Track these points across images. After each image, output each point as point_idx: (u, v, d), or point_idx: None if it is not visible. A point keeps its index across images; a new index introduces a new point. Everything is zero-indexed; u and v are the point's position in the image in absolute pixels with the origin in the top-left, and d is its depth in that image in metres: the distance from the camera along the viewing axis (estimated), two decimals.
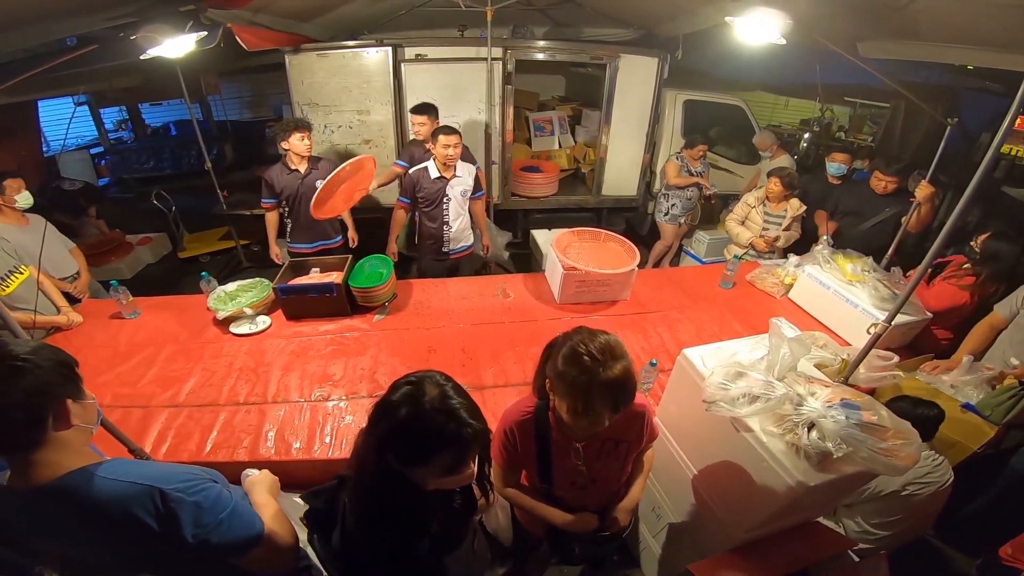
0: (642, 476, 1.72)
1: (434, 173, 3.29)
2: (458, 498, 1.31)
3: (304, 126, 3.35)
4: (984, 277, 2.76)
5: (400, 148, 4.57)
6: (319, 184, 3.30)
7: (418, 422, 1.05)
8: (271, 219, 3.63)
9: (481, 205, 3.67)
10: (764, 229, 3.86)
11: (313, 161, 3.47)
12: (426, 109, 3.64)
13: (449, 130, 3.19)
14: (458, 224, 3.48)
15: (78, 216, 5.18)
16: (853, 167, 4.81)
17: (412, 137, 3.88)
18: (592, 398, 1.26)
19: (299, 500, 2.11)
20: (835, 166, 4.01)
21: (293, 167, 3.42)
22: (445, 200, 3.35)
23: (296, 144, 3.32)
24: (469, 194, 3.44)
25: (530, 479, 1.68)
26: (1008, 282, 2.74)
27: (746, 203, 3.97)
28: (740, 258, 3.46)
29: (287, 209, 3.56)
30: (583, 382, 1.26)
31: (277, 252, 3.66)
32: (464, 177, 3.36)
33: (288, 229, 3.64)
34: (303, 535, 1.46)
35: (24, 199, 3.00)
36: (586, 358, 1.26)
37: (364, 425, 1.15)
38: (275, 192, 3.45)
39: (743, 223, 3.97)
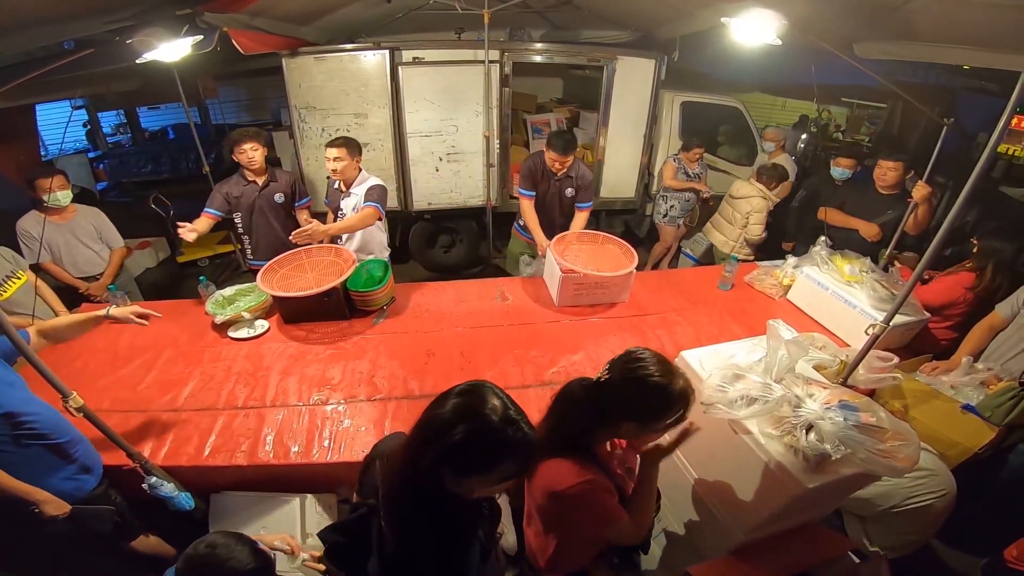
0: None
1: (335, 184, 3.26)
2: (486, 505, 1.30)
3: (253, 136, 3.17)
4: (988, 273, 2.76)
5: (398, 152, 4.58)
6: (277, 198, 3.29)
7: (484, 433, 1.03)
8: (202, 224, 3.09)
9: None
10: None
11: (272, 173, 3.33)
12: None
13: (331, 142, 3.08)
14: (350, 242, 3.24)
15: None
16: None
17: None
18: (689, 405, 1.35)
19: (296, 502, 2.12)
20: (839, 171, 3.94)
21: (250, 179, 3.27)
22: (340, 214, 3.26)
23: (248, 156, 3.14)
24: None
25: None
26: (1010, 277, 2.74)
27: (765, 213, 4.18)
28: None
29: (242, 223, 3.40)
30: (685, 397, 1.33)
31: (191, 227, 2.95)
32: (356, 197, 3.14)
33: (247, 246, 3.48)
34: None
35: (54, 199, 3.05)
36: (660, 378, 1.32)
37: (404, 446, 1.12)
38: (227, 205, 3.25)
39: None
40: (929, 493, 2.07)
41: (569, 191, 3.49)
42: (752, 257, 4.30)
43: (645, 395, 1.33)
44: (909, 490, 2.08)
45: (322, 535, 1.30)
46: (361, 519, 1.22)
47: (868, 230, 3.47)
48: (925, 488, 2.07)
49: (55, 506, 1.71)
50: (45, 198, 3.00)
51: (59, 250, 3.19)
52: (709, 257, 4.76)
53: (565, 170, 3.38)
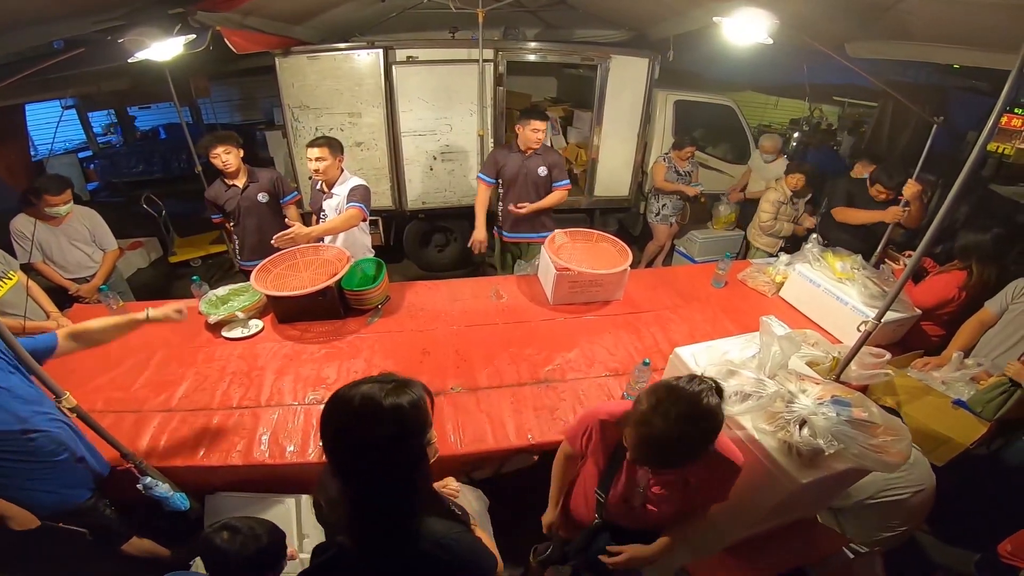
0: (674, 536, 1.58)
1: (317, 185, 3.21)
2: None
3: (224, 140, 3.11)
4: (975, 269, 2.76)
5: (392, 151, 4.58)
6: (261, 198, 3.27)
7: (411, 404, 1.06)
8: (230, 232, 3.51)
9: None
10: (797, 215, 4.41)
11: (252, 173, 3.29)
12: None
13: (312, 142, 3.02)
14: (335, 243, 3.20)
15: None
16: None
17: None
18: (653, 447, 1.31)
19: (291, 502, 2.12)
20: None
21: (231, 183, 3.25)
22: (322, 215, 3.23)
23: (222, 159, 3.10)
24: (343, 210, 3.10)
25: (588, 484, 1.61)
26: (998, 269, 2.75)
27: (774, 203, 4.28)
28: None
29: (233, 227, 3.42)
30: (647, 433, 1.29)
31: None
32: (339, 197, 3.11)
33: (237, 247, 3.50)
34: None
35: (55, 211, 3.09)
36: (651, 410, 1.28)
37: (352, 481, 1.09)
38: (218, 209, 3.34)
39: (776, 218, 4.35)
40: (905, 487, 2.06)
41: (542, 169, 3.53)
42: (776, 248, 4.39)
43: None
44: (886, 481, 2.07)
45: None
46: (331, 562, 1.14)
47: (891, 215, 3.34)
48: (902, 480, 2.06)
49: (19, 522, 1.69)
50: (47, 211, 3.04)
51: (51, 250, 3.18)
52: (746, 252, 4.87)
53: (537, 146, 3.47)
